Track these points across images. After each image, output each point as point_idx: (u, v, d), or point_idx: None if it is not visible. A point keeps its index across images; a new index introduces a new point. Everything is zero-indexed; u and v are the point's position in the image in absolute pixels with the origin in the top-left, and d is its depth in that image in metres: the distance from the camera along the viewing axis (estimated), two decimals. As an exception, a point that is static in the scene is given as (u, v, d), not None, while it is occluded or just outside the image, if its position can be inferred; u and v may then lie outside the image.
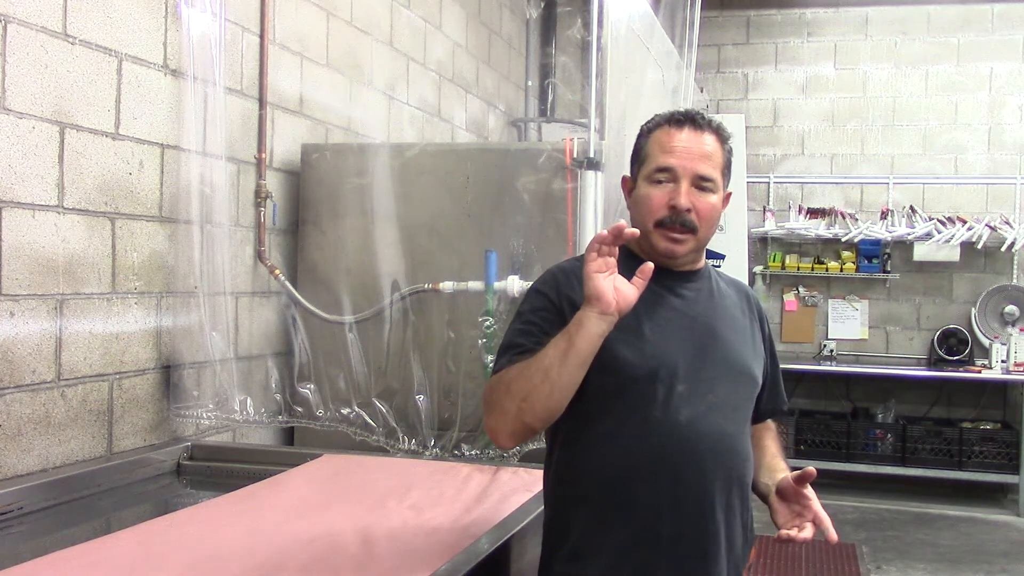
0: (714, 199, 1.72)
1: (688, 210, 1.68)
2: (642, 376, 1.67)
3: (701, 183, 1.70)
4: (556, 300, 1.70)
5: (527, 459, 2.57)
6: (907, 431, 6.37)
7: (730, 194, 1.81)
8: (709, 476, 1.68)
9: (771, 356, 1.89)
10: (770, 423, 1.94)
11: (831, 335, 6.95)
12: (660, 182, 1.71)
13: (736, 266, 5.91)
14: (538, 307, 1.72)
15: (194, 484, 2.48)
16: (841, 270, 6.84)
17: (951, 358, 6.59)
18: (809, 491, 1.66)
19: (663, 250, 1.72)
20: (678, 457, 1.66)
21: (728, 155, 1.77)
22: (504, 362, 1.65)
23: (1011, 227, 6.46)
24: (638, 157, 1.78)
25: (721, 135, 1.76)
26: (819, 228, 6.81)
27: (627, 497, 1.66)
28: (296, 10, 3.28)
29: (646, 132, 1.78)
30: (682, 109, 1.81)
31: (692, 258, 1.78)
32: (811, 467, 1.66)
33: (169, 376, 2.63)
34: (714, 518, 1.68)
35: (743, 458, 1.74)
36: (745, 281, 2.05)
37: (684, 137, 1.72)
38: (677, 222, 1.69)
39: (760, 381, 1.81)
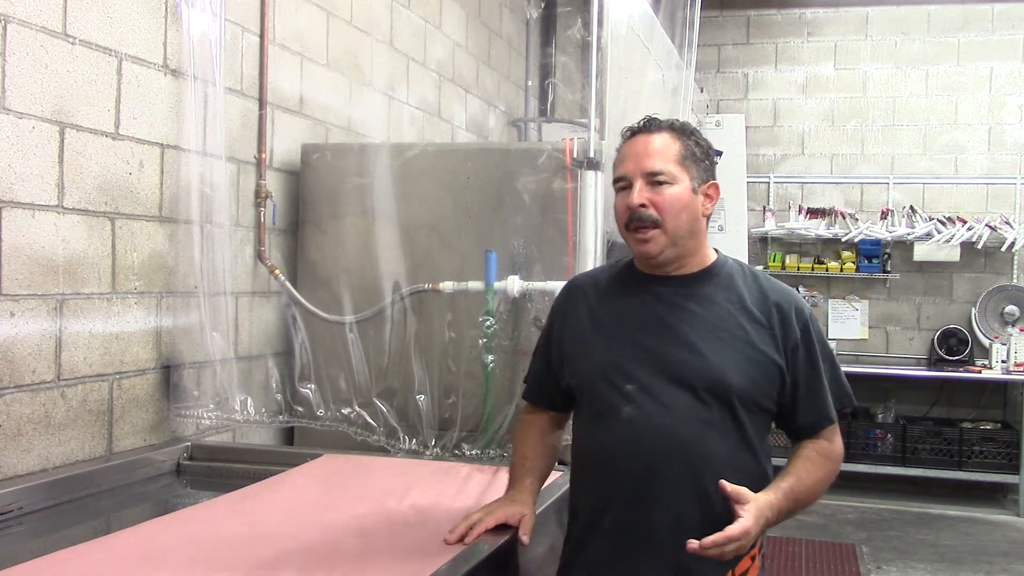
0: (673, 190, 1.76)
1: (642, 206, 1.75)
2: (593, 377, 1.82)
3: (652, 178, 1.76)
4: (549, 331, 1.97)
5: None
6: (907, 431, 6.38)
7: (715, 184, 1.83)
8: (648, 474, 1.72)
9: (807, 367, 1.79)
10: (810, 444, 1.81)
11: (831, 335, 6.95)
12: (622, 189, 1.81)
13: (736, 266, 5.90)
14: (541, 336, 2.01)
15: (194, 484, 2.48)
16: (841, 270, 6.84)
17: (951, 358, 6.59)
18: (742, 511, 1.61)
19: (638, 253, 1.82)
20: (618, 453, 1.76)
21: (693, 146, 1.80)
22: (524, 388, 2.04)
23: (1011, 227, 6.46)
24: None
25: (679, 130, 1.81)
26: (819, 228, 6.81)
27: (583, 488, 1.85)
28: (296, 10, 3.28)
29: (616, 151, 1.88)
30: (645, 118, 1.86)
31: (676, 255, 1.79)
32: (745, 505, 1.61)
33: (169, 376, 2.63)
34: (653, 515, 1.72)
35: (701, 461, 1.70)
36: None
37: (634, 143, 1.81)
38: (635, 220, 1.76)
39: (750, 392, 1.75)
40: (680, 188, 1.76)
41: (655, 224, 1.75)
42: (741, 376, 1.74)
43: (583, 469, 1.86)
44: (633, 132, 1.82)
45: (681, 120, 1.85)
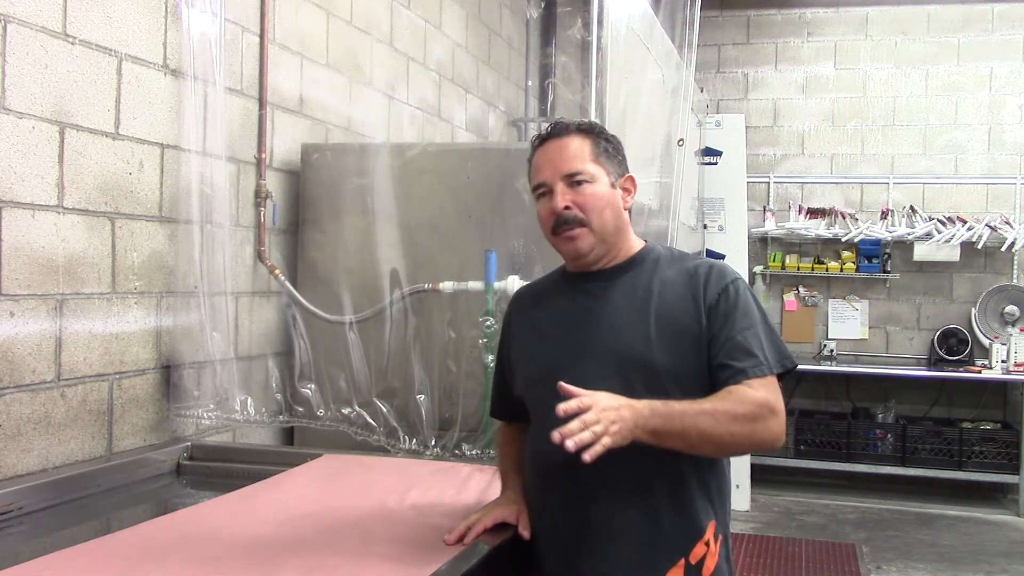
0: (594, 188, 1.80)
1: (567, 208, 1.78)
2: (532, 381, 1.87)
3: (571, 180, 1.80)
4: (500, 347, 2.02)
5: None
6: (907, 431, 6.38)
7: (630, 177, 1.88)
8: (582, 471, 1.67)
9: (722, 321, 1.72)
10: (729, 388, 1.68)
11: (831, 335, 6.96)
12: (542, 196, 1.83)
13: (736, 266, 5.90)
14: (496, 362, 2.05)
15: (194, 484, 2.48)
16: (841, 270, 6.84)
17: (951, 358, 6.59)
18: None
19: (567, 253, 1.85)
20: (554, 453, 1.71)
21: (604, 143, 1.84)
22: (491, 412, 2.12)
23: (1011, 227, 6.46)
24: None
25: (587, 130, 1.85)
26: (819, 228, 6.82)
27: (533, 489, 1.88)
28: (296, 10, 3.28)
29: (528, 163, 1.90)
30: (553, 121, 1.90)
31: (604, 251, 1.83)
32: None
33: (169, 376, 2.63)
34: (590, 512, 1.74)
35: (635, 451, 1.64)
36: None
37: (547, 149, 1.84)
38: (562, 223, 1.79)
39: (679, 369, 1.71)
40: (600, 186, 1.80)
41: (581, 223, 1.79)
42: (668, 355, 1.72)
43: (531, 471, 1.90)
44: (542, 139, 1.86)
45: (588, 120, 1.90)
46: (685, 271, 1.81)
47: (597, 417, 1.53)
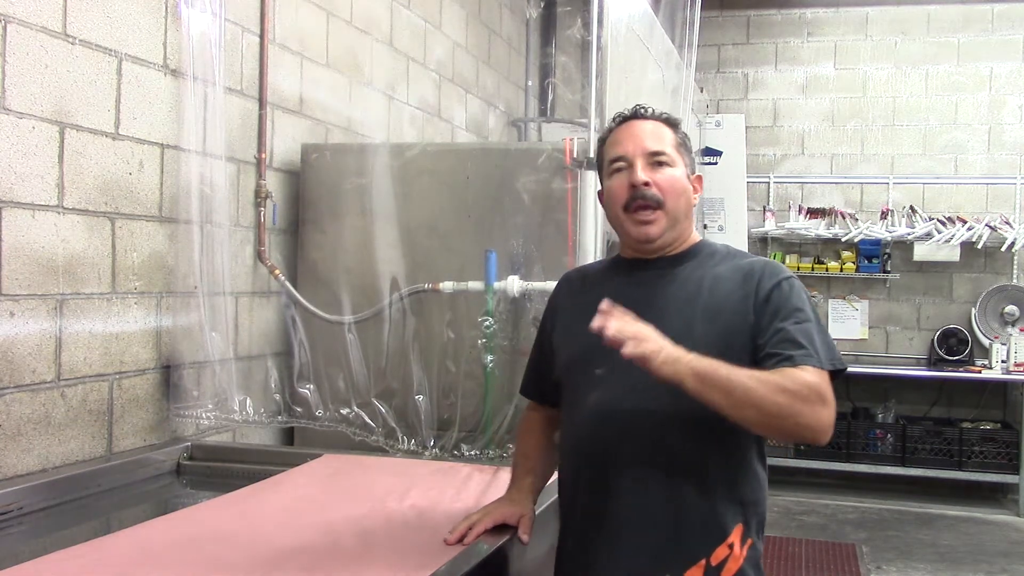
0: (672, 171, 1.79)
1: (646, 183, 1.76)
2: (569, 364, 1.85)
3: (654, 159, 1.78)
4: (542, 325, 2.00)
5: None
6: (907, 431, 6.38)
7: (699, 176, 1.88)
8: (614, 456, 1.72)
9: (771, 316, 1.70)
10: (780, 368, 1.64)
11: (831, 335, 6.94)
12: (618, 171, 1.81)
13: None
14: (537, 331, 2.03)
15: (194, 484, 2.48)
16: (841, 270, 6.84)
17: (951, 358, 6.59)
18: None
19: (636, 236, 1.80)
20: (583, 440, 1.79)
21: (682, 137, 1.85)
22: (521, 390, 2.07)
23: (1011, 227, 6.46)
24: (600, 165, 1.89)
25: (668, 121, 1.86)
26: (819, 228, 6.82)
27: (563, 476, 1.88)
28: (296, 10, 3.28)
29: (600, 142, 1.89)
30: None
31: (671, 240, 1.81)
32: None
33: (169, 376, 2.63)
34: (615, 500, 1.73)
35: (669, 438, 1.66)
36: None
37: (629, 126, 1.83)
38: (639, 198, 1.76)
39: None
40: (679, 171, 1.80)
41: (658, 205, 1.76)
42: (709, 349, 1.67)
43: (562, 458, 1.89)
44: (625, 118, 1.85)
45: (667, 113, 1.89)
46: (739, 268, 1.79)
47: (638, 332, 1.58)
